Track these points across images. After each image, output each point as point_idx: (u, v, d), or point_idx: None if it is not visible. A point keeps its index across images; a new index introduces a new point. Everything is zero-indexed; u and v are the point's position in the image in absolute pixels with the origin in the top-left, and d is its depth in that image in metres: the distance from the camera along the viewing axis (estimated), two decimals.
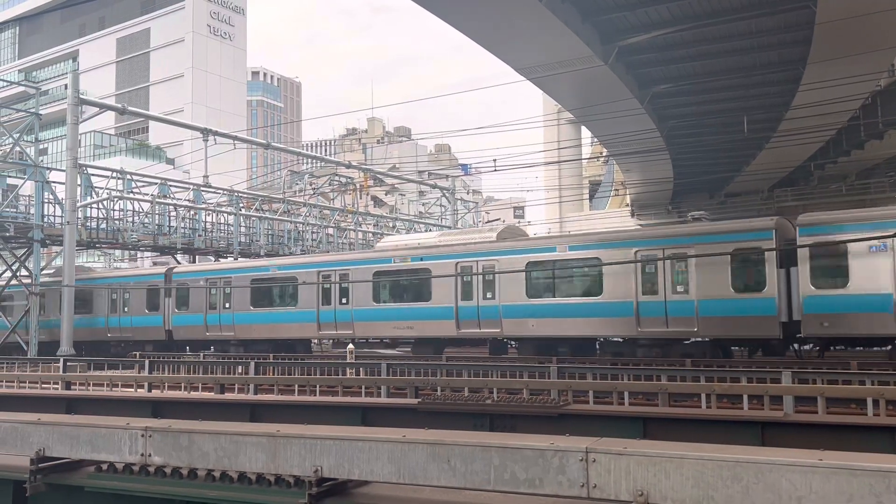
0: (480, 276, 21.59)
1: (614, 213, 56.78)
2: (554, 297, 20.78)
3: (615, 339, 20.70)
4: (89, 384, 16.98)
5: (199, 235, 36.66)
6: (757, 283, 18.01)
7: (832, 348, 18.79)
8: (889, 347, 17.67)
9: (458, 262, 22.28)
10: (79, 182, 30.24)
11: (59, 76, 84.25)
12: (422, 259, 23.27)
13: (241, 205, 40.38)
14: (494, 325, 21.46)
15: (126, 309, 30.20)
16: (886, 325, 16.33)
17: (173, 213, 36.04)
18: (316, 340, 29.21)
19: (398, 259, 23.87)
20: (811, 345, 19.08)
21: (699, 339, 19.02)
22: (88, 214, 32.34)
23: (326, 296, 24.73)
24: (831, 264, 17.19)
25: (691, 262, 18.41)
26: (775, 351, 18.81)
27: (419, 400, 9.61)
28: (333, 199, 49.24)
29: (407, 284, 23.47)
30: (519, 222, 73.47)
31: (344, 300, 24.38)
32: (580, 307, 20.17)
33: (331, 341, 28.91)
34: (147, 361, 19.44)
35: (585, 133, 55.48)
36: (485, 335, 22.10)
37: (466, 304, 21.87)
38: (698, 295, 18.41)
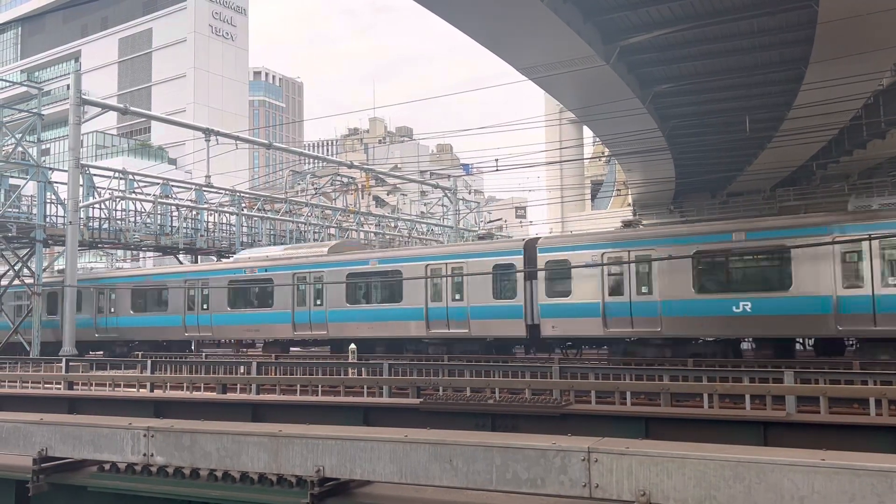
0: (312, 285, 25.05)
1: (616, 213, 56.76)
2: (368, 303, 24.29)
3: (417, 339, 23.55)
4: (91, 384, 17.02)
5: (202, 235, 36.70)
6: (511, 292, 21.58)
7: (562, 349, 22.52)
8: (605, 347, 21.69)
9: (294, 273, 25.57)
10: (81, 182, 30.29)
11: (61, 76, 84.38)
12: (266, 270, 26.62)
13: (243, 205, 40.42)
14: (322, 328, 24.77)
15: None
16: (597, 327, 19.78)
17: (175, 214, 36.08)
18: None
19: (249, 270, 27.17)
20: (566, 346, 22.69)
21: (471, 338, 22.44)
22: (91, 215, 32.40)
23: (191, 302, 28.23)
24: (560, 277, 20.54)
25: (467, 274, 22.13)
26: (526, 348, 22.75)
27: (421, 400, 9.62)
28: (335, 199, 49.28)
29: (256, 292, 26.78)
30: (521, 222, 73.48)
31: (205, 306, 27.64)
32: (387, 312, 23.50)
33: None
34: (149, 361, 19.48)
35: (587, 133, 55.52)
36: (315, 336, 25.53)
37: (301, 309, 25.13)
38: (470, 301, 22.02)
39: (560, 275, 20.60)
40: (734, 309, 18.21)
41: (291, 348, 28.07)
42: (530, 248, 21.73)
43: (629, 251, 19.69)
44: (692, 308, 18.67)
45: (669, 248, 19.29)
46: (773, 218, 21.31)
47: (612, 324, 19.63)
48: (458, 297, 22.35)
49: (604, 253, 20.05)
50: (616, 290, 19.69)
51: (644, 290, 19.30)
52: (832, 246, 17.39)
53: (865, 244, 17.02)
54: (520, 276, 21.30)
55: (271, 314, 25.78)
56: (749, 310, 18.03)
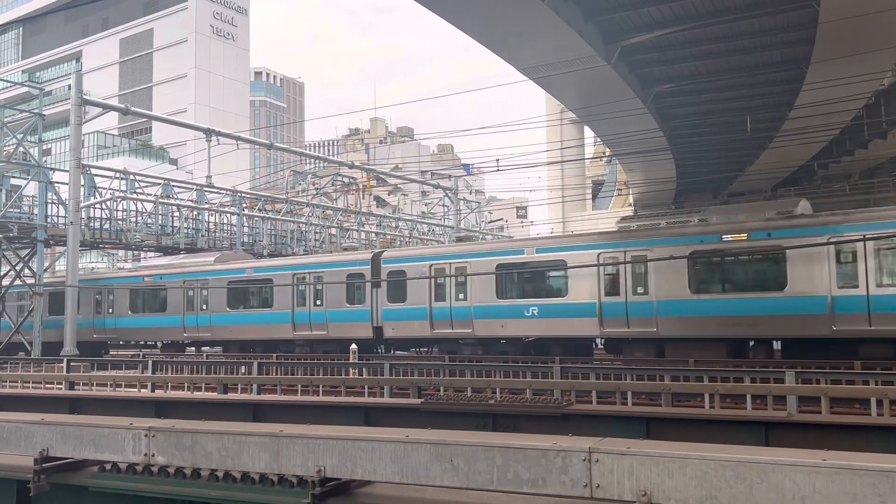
0: (200, 290, 27.93)
1: (617, 212, 56.74)
2: (246, 308, 26.96)
3: (287, 340, 26.15)
4: (93, 384, 17.02)
5: (203, 236, 36.71)
6: (361, 298, 24.35)
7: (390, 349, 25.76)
8: (435, 348, 24.14)
9: (184, 280, 28.24)
10: (82, 182, 30.28)
11: (62, 77, 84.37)
12: (161, 278, 29.40)
13: (244, 205, 40.41)
14: (207, 331, 27.64)
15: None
16: (426, 329, 22.64)
17: (176, 214, 36.08)
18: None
19: (147, 277, 30.12)
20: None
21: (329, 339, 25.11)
22: (92, 215, 32.38)
23: (98, 305, 30.90)
24: (398, 286, 23.39)
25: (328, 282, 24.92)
26: (369, 348, 24.91)
27: (422, 400, 9.62)
28: (336, 200, 49.25)
29: (153, 297, 29.51)
30: (522, 222, 73.48)
31: (110, 310, 30.58)
32: (261, 316, 26.24)
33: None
34: (150, 362, 19.49)
35: (588, 133, 55.47)
36: (201, 338, 28.17)
37: (189, 314, 27.97)
38: (328, 306, 24.83)
39: (398, 283, 23.49)
40: (525, 313, 21.06)
41: (187, 349, 30.86)
42: (376, 259, 24.58)
43: (450, 264, 22.71)
44: (495, 312, 21.60)
45: (480, 261, 22.22)
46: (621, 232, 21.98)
47: (437, 326, 22.53)
48: (318, 302, 25.21)
49: (431, 265, 23.11)
50: (440, 296, 22.62)
51: (461, 297, 22.30)
52: (293, 281, 24.83)
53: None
54: (368, 284, 24.14)
55: (165, 318, 28.72)
56: (536, 314, 20.87)
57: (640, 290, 19.40)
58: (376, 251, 26.78)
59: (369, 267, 24.27)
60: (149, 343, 31.10)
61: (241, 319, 26.67)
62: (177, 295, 28.03)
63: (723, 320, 18.17)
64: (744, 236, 18.39)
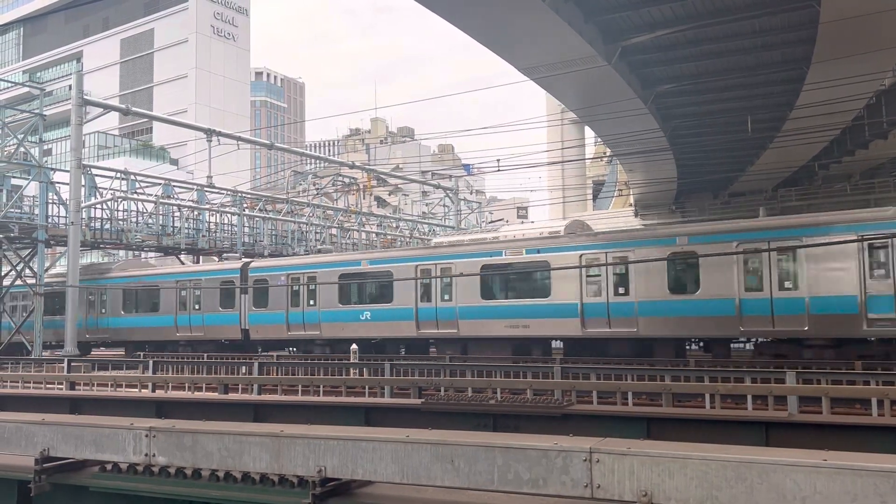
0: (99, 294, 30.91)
1: (618, 213, 56.70)
2: (137, 312, 29.86)
3: (173, 341, 28.86)
4: (93, 384, 17.03)
5: (203, 236, 36.72)
6: (232, 303, 27.20)
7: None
8: (293, 348, 27.28)
9: (87, 286, 30.76)
10: (83, 183, 30.32)
11: (63, 77, 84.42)
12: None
13: (245, 205, 40.40)
14: (105, 333, 30.73)
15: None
16: (282, 331, 25.71)
17: (177, 214, 36.09)
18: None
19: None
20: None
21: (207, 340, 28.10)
22: (92, 215, 32.41)
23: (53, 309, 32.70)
24: (260, 293, 26.50)
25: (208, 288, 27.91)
26: (243, 348, 27.25)
27: (423, 400, 9.62)
28: (337, 200, 49.25)
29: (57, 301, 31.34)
30: (522, 222, 73.46)
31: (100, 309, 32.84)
32: (149, 319, 29.20)
33: None
34: (151, 362, 19.50)
35: (589, 133, 55.44)
36: (103, 339, 31.47)
37: (91, 315, 30.83)
38: (204, 310, 27.92)
39: (260, 290, 26.56)
40: (361, 317, 24.28)
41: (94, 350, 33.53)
42: (244, 269, 27.45)
43: (304, 273, 25.72)
44: (339, 316, 24.69)
45: (326, 271, 25.39)
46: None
47: (292, 329, 25.56)
48: (196, 307, 28.24)
49: (289, 274, 25.97)
50: (295, 302, 25.66)
51: (311, 303, 25.40)
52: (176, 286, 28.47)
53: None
54: (238, 290, 26.94)
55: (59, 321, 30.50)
56: (369, 318, 24.05)
57: (446, 297, 22.76)
58: (245, 261, 29.25)
59: (239, 276, 27.25)
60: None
61: (134, 322, 29.83)
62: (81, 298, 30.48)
63: (510, 322, 21.53)
64: (521, 252, 21.79)
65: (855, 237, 16.67)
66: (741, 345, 22.13)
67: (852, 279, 17.00)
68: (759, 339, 19.70)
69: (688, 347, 21.36)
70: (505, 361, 18.09)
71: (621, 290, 20.09)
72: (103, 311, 30.37)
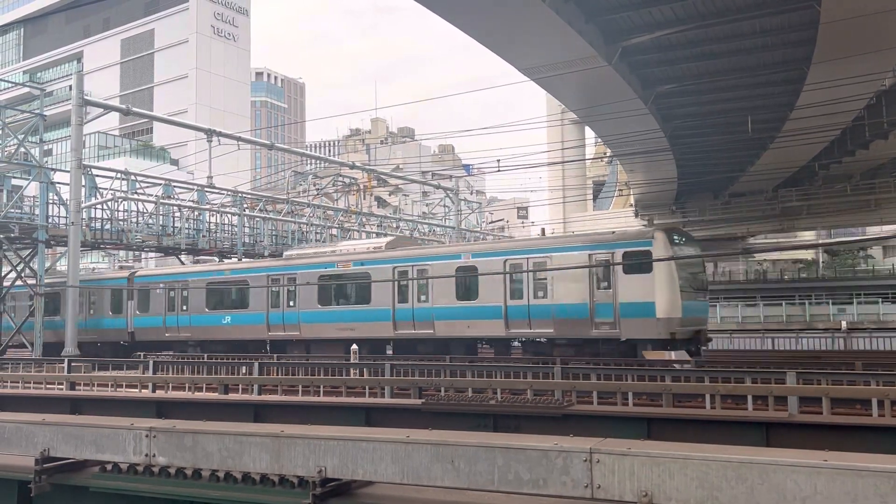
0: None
1: (618, 213, 56.74)
2: (101, 315, 31.50)
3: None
4: (94, 384, 17.03)
5: (203, 236, 36.71)
6: (120, 309, 30.24)
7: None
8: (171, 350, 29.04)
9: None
10: (83, 183, 30.30)
11: (63, 77, 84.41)
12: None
13: (245, 205, 40.40)
14: (57, 336, 31.11)
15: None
16: (161, 334, 28.76)
17: (177, 214, 36.08)
18: None
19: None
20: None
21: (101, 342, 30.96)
22: (93, 215, 32.40)
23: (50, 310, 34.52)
24: (143, 298, 29.59)
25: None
26: (126, 351, 29.56)
27: (423, 400, 9.62)
28: (337, 200, 49.23)
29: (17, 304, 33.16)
30: (522, 223, 73.48)
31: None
32: (112, 321, 30.81)
33: None
34: (151, 362, 19.49)
35: (589, 133, 55.45)
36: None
37: (51, 319, 31.59)
38: (98, 315, 30.90)
39: (143, 296, 29.33)
40: (223, 321, 27.39)
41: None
42: (131, 277, 30.70)
43: (179, 282, 28.68)
44: (208, 320, 27.71)
45: (198, 279, 28.45)
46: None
47: (170, 331, 28.47)
48: (91, 311, 31.00)
49: (166, 282, 28.93)
50: (171, 308, 28.56)
51: (184, 308, 28.33)
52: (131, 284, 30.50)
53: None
54: (126, 297, 29.86)
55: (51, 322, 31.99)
56: (230, 321, 27.20)
57: (291, 304, 25.96)
58: (132, 270, 31.89)
59: (126, 283, 30.24)
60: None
61: (94, 325, 31.41)
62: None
63: (341, 326, 24.36)
64: (349, 264, 24.93)
65: (587, 255, 20.56)
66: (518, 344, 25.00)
67: (584, 290, 20.29)
68: (522, 339, 22.90)
69: (479, 347, 24.60)
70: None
71: (423, 298, 23.17)
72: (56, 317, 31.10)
